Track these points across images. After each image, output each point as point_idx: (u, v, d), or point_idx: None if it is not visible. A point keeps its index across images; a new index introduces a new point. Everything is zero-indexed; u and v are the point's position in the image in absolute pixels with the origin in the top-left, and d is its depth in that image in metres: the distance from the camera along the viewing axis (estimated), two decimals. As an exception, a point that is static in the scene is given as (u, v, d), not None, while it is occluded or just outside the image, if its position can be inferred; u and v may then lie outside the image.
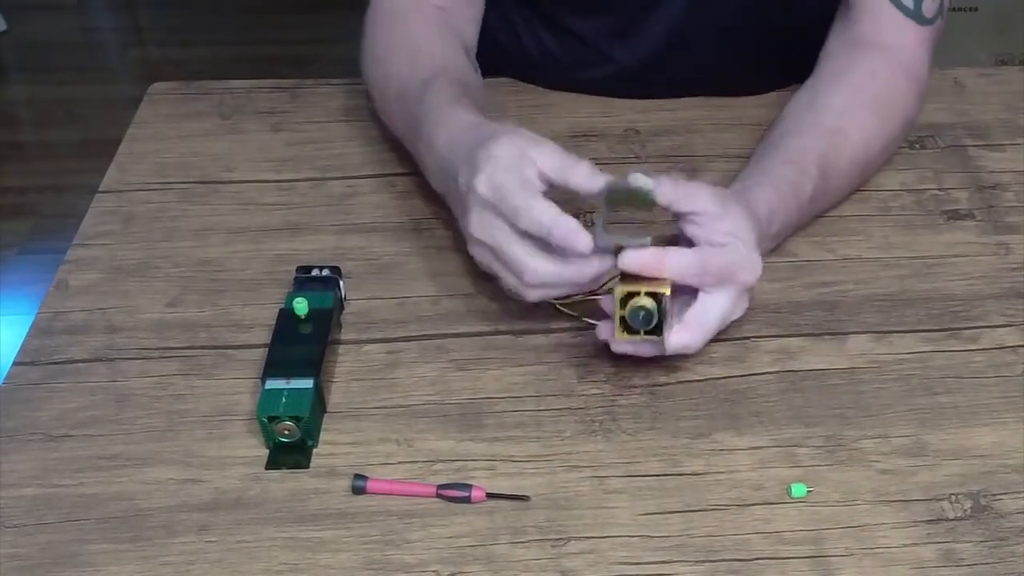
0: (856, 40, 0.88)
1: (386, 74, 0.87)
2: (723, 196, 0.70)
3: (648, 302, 0.66)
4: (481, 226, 0.68)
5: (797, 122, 0.84)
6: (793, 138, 0.82)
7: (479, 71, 0.89)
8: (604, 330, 0.70)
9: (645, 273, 0.67)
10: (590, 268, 0.67)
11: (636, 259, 0.67)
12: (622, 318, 0.67)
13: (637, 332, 0.67)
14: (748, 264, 0.69)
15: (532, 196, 0.66)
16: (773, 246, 0.78)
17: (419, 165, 0.82)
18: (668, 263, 0.67)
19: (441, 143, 0.75)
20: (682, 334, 0.68)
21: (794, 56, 0.94)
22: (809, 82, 0.88)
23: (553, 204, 0.66)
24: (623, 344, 0.70)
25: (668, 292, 0.67)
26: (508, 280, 0.69)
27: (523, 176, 0.67)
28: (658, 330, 0.67)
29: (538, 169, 0.68)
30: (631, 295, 0.67)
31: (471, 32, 0.93)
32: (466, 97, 0.79)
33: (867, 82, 0.85)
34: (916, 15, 0.87)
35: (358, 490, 0.65)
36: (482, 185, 0.67)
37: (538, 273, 0.67)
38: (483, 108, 0.79)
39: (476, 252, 0.71)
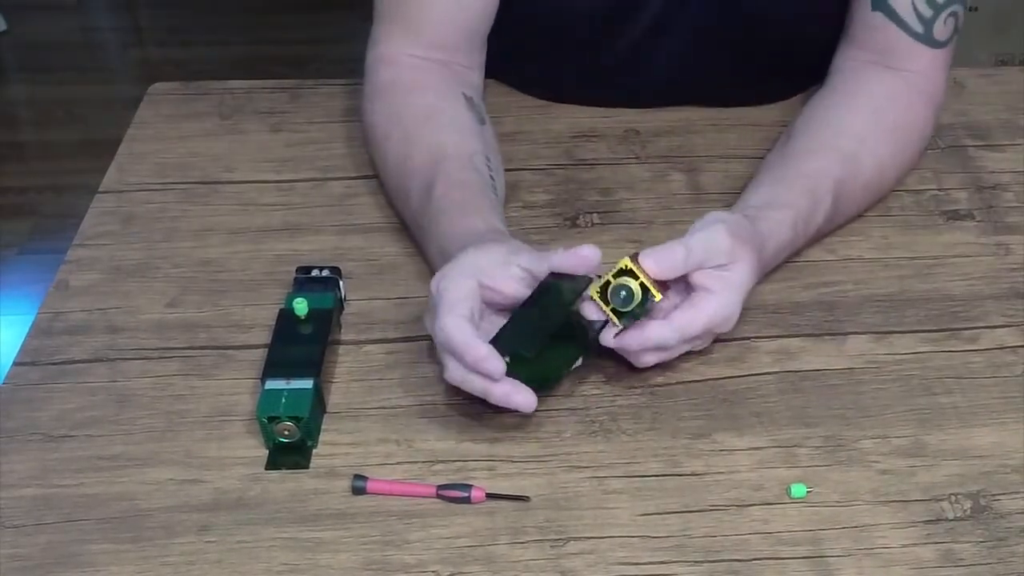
0: (871, 60, 0.87)
1: (384, 169, 0.85)
2: (733, 246, 0.70)
3: (636, 287, 0.67)
4: (427, 317, 0.69)
5: (814, 141, 0.82)
6: (810, 160, 0.81)
7: (485, 120, 0.86)
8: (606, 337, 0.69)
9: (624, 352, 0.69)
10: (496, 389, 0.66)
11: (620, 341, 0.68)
12: (606, 283, 0.67)
13: (608, 305, 0.68)
14: (727, 319, 0.70)
15: (452, 313, 0.65)
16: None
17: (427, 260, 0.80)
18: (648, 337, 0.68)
19: (444, 255, 0.74)
20: (662, 329, 0.68)
21: (770, 72, 0.94)
22: (825, 94, 0.87)
23: (470, 328, 0.65)
24: (591, 306, 0.68)
25: (659, 298, 0.67)
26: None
27: (471, 283, 0.66)
28: (626, 319, 0.68)
29: (514, 270, 0.67)
30: (627, 272, 0.67)
31: (476, 78, 0.91)
32: (464, 204, 0.76)
33: (886, 107, 0.84)
34: (928, 39, 0.85)
35: (358, 490, 0.65)
36: (435, 281, 0.68)
37: (453, 377, 0.66)
38: (484, 186, 0.79)
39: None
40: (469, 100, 0.86)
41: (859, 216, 0.85)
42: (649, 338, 0.68)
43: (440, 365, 0.68)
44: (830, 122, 0.84)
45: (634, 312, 0.67)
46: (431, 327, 0.67)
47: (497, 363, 0.64)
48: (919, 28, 0.84)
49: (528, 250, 0.69)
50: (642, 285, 0.67)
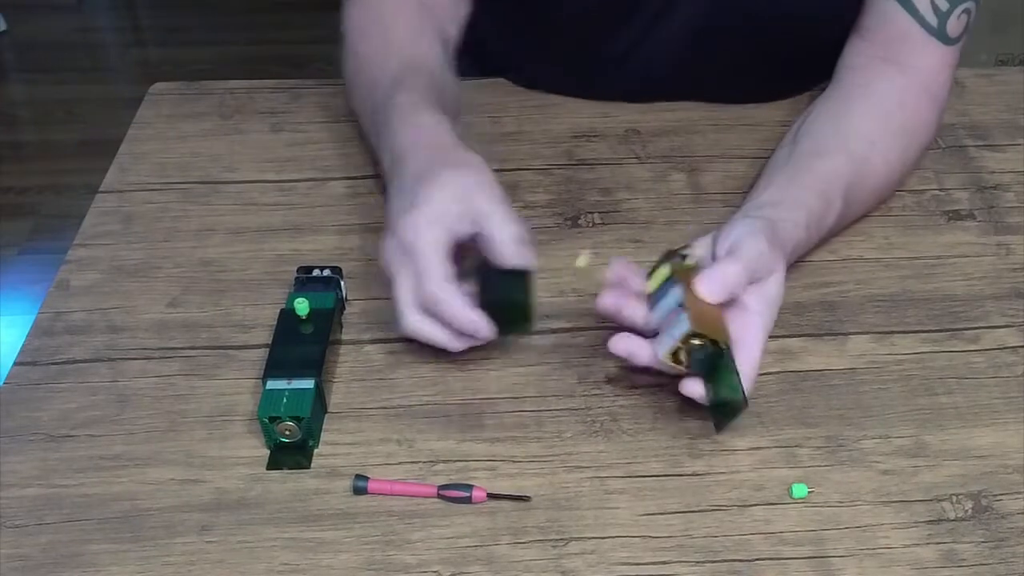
0: (880, 56, 0.86)
1: (356, 64, 0.86)
2: (773, 257, 0.70)
3: (710, 348, 0.65)
4: (390, 256, 0.69)
5: (825, 142, 0.82)
6: (822, 161, 0.80)
7: (455, 71, 0.87)
8: (690, 387, 0.67)
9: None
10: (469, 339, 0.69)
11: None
12: (677, 349, 0.66)
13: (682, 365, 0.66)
14: (767, 336, 0.69)
15: (438, 275, 0.67)
16: None
17: (377, 163, 0.81)
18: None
19: (397, 147, 0.75)
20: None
21: (771, 69, 0.94)
22: (833, 95, 0.86)
23: (459, 293, 0.68)
24: (666, 366, 0.67)
25: (729, 342, 0.65)
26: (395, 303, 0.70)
27: (444, 234, 0.68)
28: (713, 376, 0.66)
29: (472, 213, 0.69)
30: (693, 336, 0.65)
31: (453, 31, 0.91)
32: (434, 100, 0.77)
33: (895, 110, 0.84)
34: (940, 34, 0.84)
35: (359, 491, 0.65)
36: (406, 227, 0.68)
37: (411, 328, 0.69)
38: (455, 111, 0.79)
39: (382, 263, 0.71)
40: (444, 44, 0.87)
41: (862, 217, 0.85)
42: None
43: (393, 294, 0.69)
44: (840, 124, 0.83)
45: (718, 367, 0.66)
46: (400, 269, 0.68)
47: (489, 327, 0.67)
48: (933, 21, 0.84)
49: (486, 200, 0.69)
50: (713, 343, 0.65)
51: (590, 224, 0.86)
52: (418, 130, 0.75)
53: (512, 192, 0.88)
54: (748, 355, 0.67)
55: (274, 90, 1.01)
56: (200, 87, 1.02)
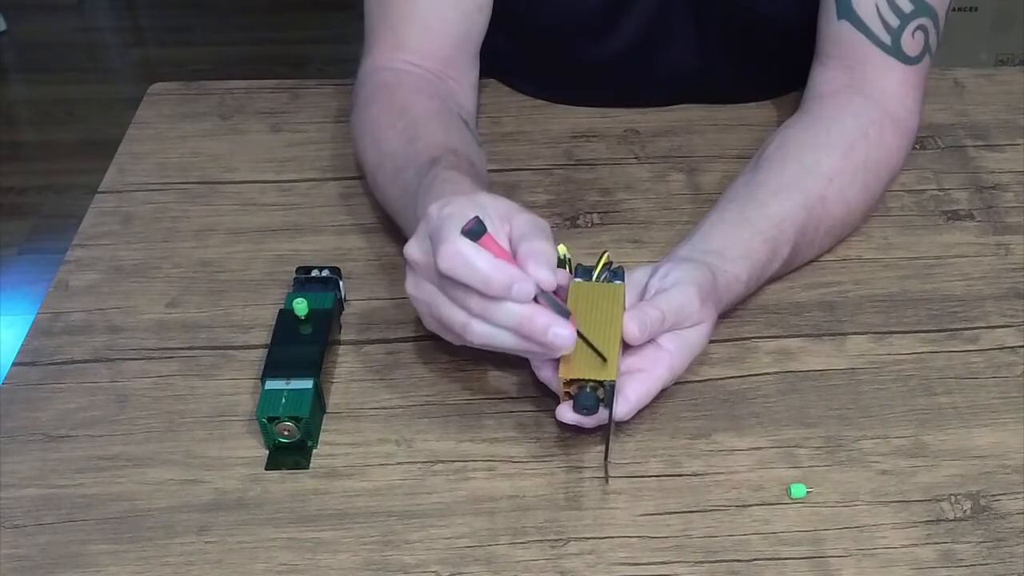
0: (845, 84, 0.84)
1: (380, 152, 0.81)
2: (701, 310, 0.68)
3: (596, 393, 0.64)
4: (419, 248, 0.64)
5: (783, 177, 0.78)
6: (777, 200, 0.77)
7: (481, 143, 0.85)
8: (563, 412, 0.65)
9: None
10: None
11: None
12: (567, 393, 0.65)
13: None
14: (674, 379, 0.69)
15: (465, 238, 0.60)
16: None
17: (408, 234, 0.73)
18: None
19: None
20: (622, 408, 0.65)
21: (770, 69, 0.94)
22: (799, 124, 0.83)
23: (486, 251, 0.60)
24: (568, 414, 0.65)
25: (615, 377, 0.64)
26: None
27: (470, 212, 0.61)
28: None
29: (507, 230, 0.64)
30: (576, 382, 0.64)
31: (471, 98, 0.89)
32: (472, 175, 0.74)
33: (859, 142, 0.81)
34: (897, 52, 0.82)
35: (475, 234, 0.59)
36: (432, 209, 0.63)
37: (480, 337, 0.63)
38: (487, 183, 0.77)
39: (411, 296, 0.66)
40: (466, 123, 0.85)
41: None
42: (604, 418, 0.65)
43: (431, 312, 0.64)
44: (802, 159, 0.80)
45: (604, 402, 0.65)
46: (422, 256, 0.63)
47: (529, 282, 0.60)
48: (886, 38, 0.82)
49: (530, 231, 0.64)
50: (599, 384, 0.64)
51: (589, 224, 0.86)
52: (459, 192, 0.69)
53: (512, 192, 0.88)
54: (642, 385, 0.66)
55: (273, 90, 1.01)
56: (200, 87, 1.02)
